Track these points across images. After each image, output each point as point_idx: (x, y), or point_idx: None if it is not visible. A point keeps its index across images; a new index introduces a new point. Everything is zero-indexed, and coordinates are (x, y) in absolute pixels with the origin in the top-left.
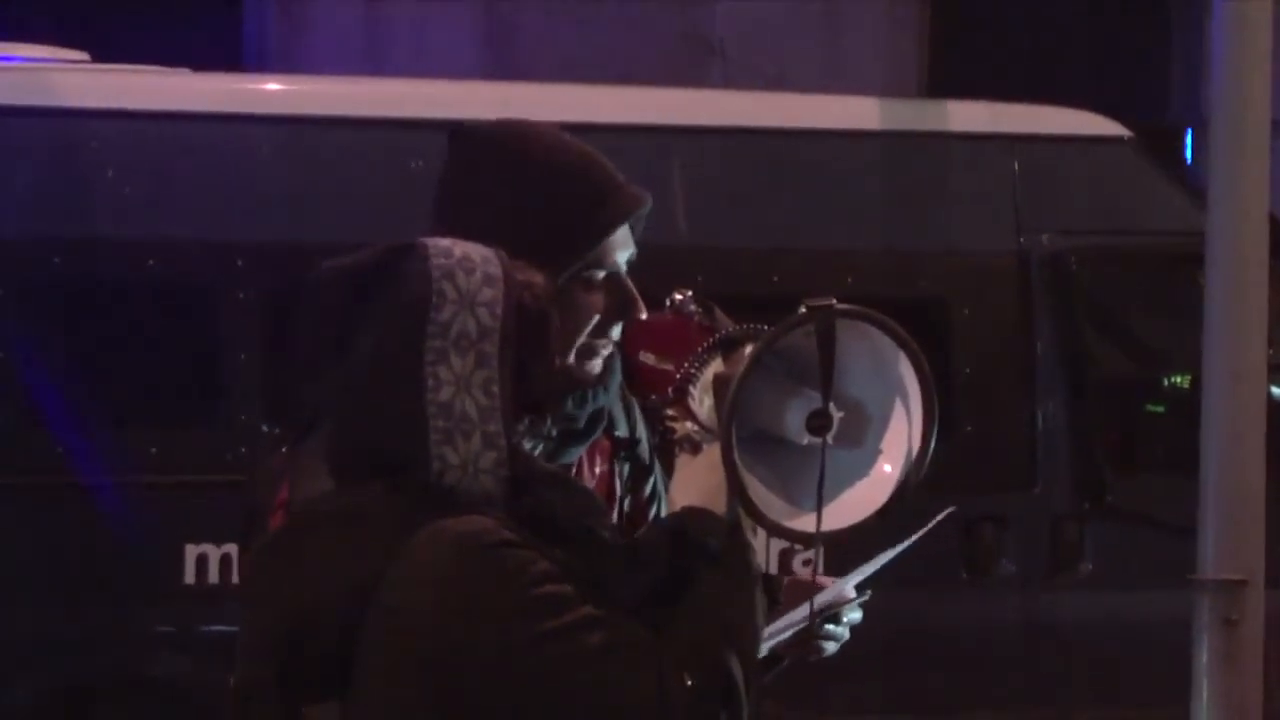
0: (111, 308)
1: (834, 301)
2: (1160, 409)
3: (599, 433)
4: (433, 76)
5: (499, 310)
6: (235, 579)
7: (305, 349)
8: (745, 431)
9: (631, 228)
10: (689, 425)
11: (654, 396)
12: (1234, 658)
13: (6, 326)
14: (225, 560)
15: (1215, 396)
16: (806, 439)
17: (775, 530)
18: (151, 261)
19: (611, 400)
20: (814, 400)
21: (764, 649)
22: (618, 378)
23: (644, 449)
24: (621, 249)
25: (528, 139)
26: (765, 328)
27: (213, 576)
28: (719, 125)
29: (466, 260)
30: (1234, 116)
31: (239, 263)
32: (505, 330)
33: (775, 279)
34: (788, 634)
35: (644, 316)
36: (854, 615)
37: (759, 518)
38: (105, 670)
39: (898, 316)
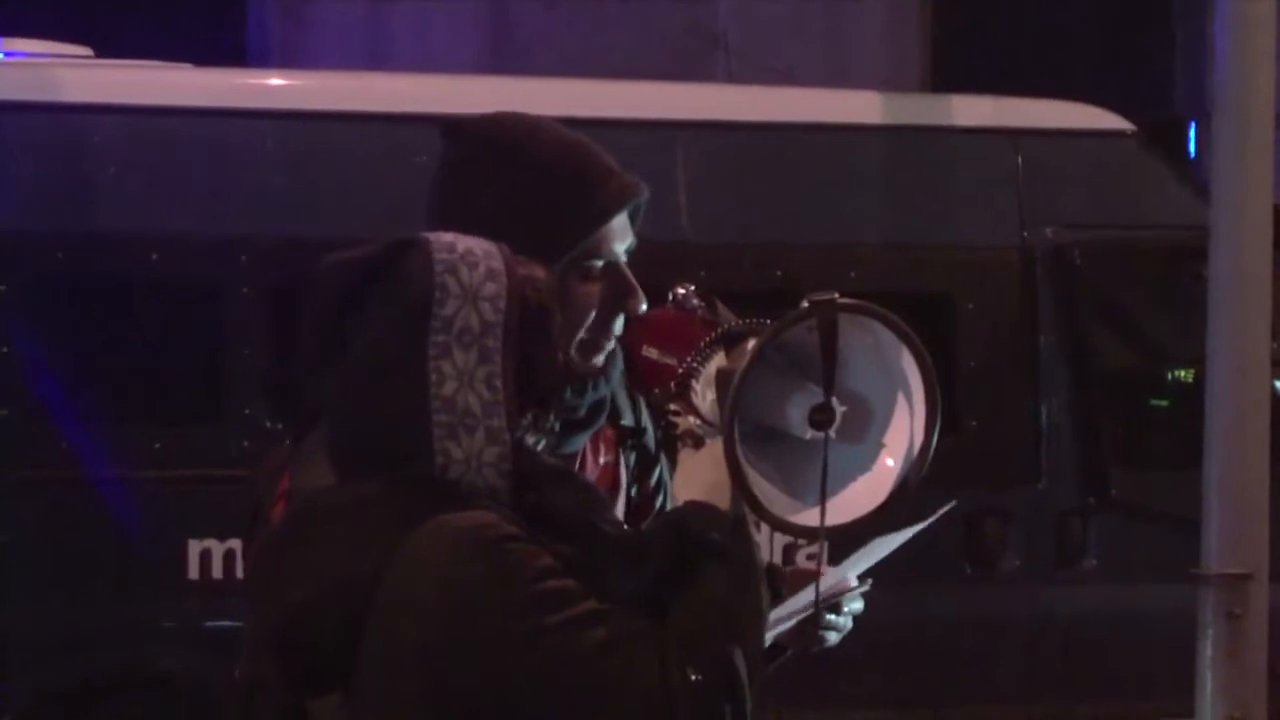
0: (115, 303)
1: (836, 296)
2: (1164, 403)
3: (601, 422)
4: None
5: (502, 305)
6: (239, 574)
7: (308, 343)
8: (748, 426)
9: (631, 219)
10: (691, 420)
11: (656, 391)
12: (1238, 652)
13: (10, 322)
14: (229, 555)
15: (1219, 390)
16: (809, 433)
17: (778, 525)
18: (155, 257)
19: (614, 389)
20: (816, 395)
21: (767, 639)
22: (619, 366)
23: (650, 438)
24: (619, 239)
25: (520, 130)
26: (768, 322)
27: (216, 571)
28: (722, 120)
29: (469, 255)
30: (1238, 110)
31: (242, 258)
32: (508, 325)
33: (778, 273)
34: (790, 623)
35: (645, 309)
36: (856, 605)
37: (762, 512)
38: (109, 665)
39: (901, 311)
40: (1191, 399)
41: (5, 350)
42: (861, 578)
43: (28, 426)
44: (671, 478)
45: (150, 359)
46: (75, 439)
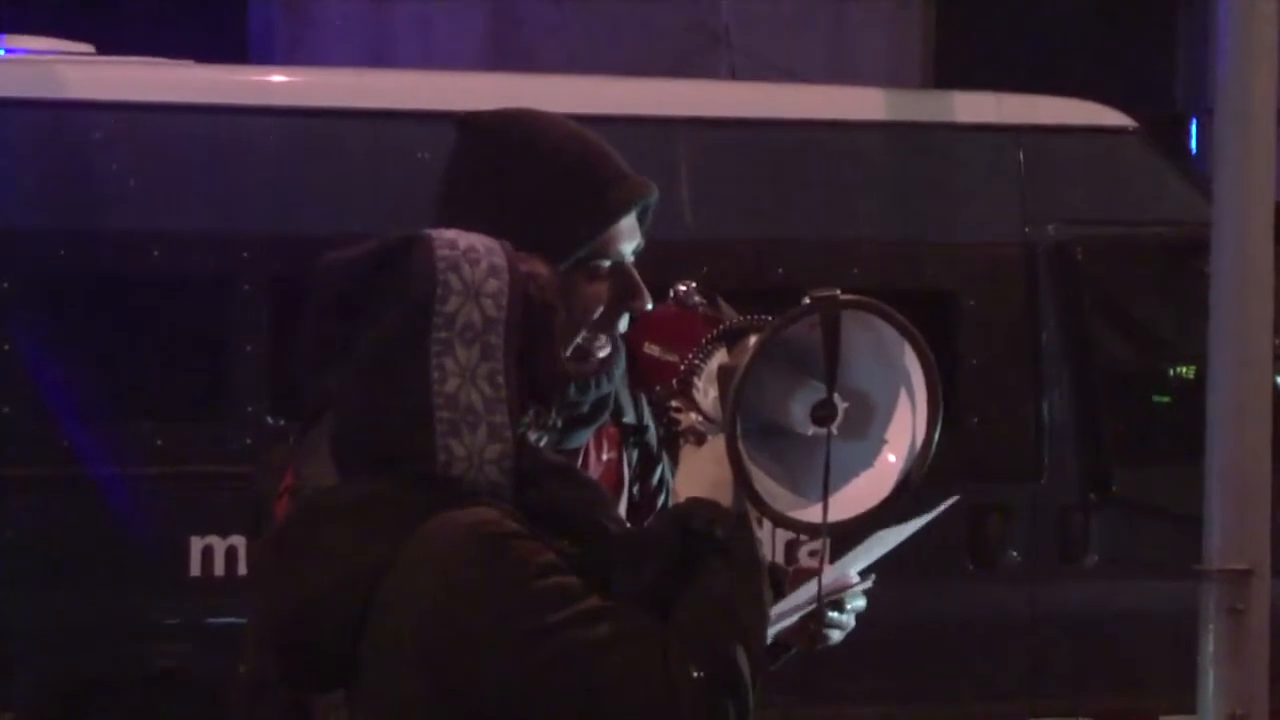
0: (117, 299)
1: (838, 292)
2: (1166, 398)
3: (604, 418)
4: (437, 69)
5: (504, 301)
6: (241, 570)
7: (310, 340)
8: (750, 423)
9: (640, 220)
10: (694, 416)
11: (658, 388)
12: (1240, 647)
13: (12, 318)
14: (231, 552)
15: (1221, 386)
16: (811, 430)
17: (780, 521)
18: (157, 253)
19: (617, 387)
20: (819, 391)
21: (769, 635)
22: (622, 364)
23: (652, 436)
24: (627, 239)
25: (533, 127)
26: (770, 319)
27: (218, 568)
28: (724, 117)
29: (471, 251)
30: (1239, 106)
31: (244, 254)
32: (510, 321)
33: (780, 270)
34: (792, 619)
35: (649, 306)
36: (858, 603)
37: (764, 508)
38: (111, 661)
39: (903, 307)
40: (1193, 395)
41: (7, 347)
42: (863, 574)
43: (29, 423)
44: (673, 475)
45: (152, 356)
46: (77, 436)
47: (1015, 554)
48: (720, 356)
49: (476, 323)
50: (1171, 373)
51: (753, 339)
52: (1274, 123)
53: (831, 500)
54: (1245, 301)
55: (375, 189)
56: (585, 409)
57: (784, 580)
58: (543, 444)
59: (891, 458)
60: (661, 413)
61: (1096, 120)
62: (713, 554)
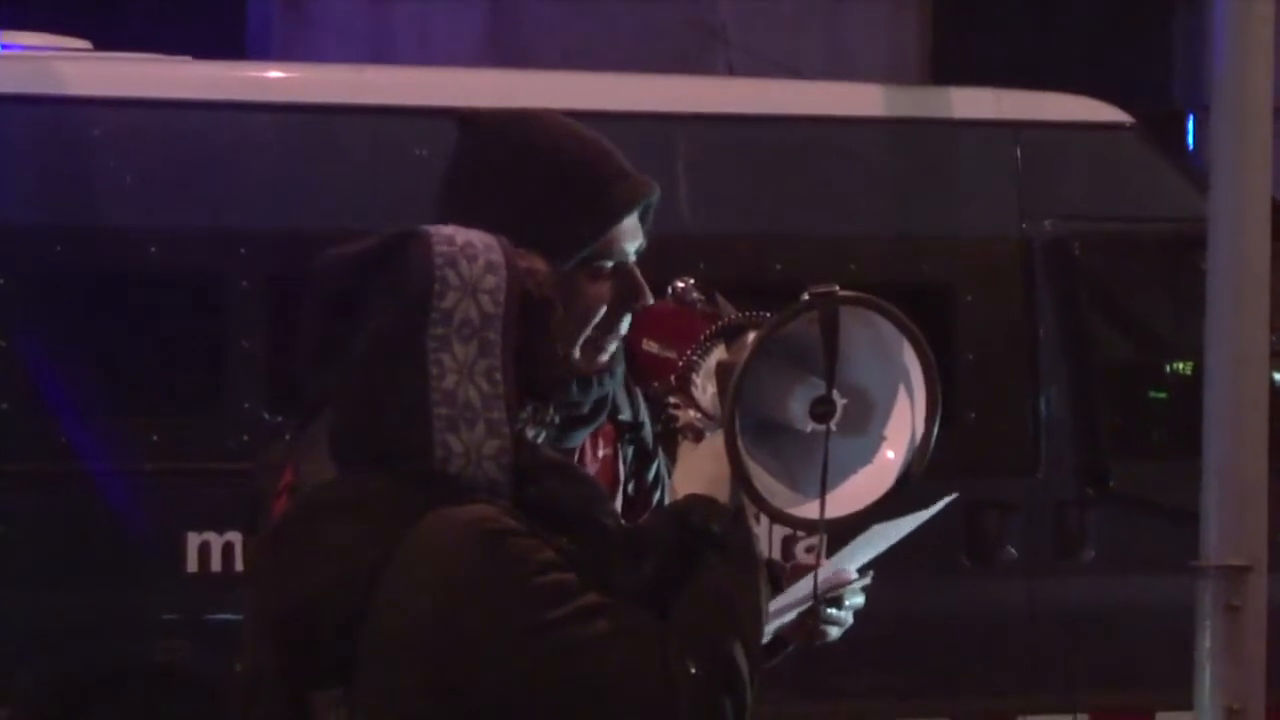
0: (114, 296)
1: (837, 288)
2: (1163, 394)
3: (604, 418)
4: (435, 65)
5: (502, 298)
6: (238, 567)
7: (308, 337)
8: (748, 419)
9: (642, 220)
10: (692, 413)
11: (657, 384)
12: (1237, 643)
13: (9, 314)
14: (228, 548)
15: (1218, 381)
16: (810, 426)
17: (779, 517)
18: (154, 249)
19: (615, 385)
20: (817, 387)
21: (767, 632)
22: (622, 364)
23: (647, 434)
24: (630, 239)
25: (535, 126)
26: (768, 315)
27: (215, 564)
28: (722, 113)
29: (469, 247)
30: (1236, 102)
31: (241, 250)
32: (508, 318)
33: (778, 266)
34: (790, 615)
35: (650, 303)
36: (856, 600)
37: (763, 505)
38: (109, 657)
39: (901, 303)
40: (1190, 390)
41: (4, 344)
42: (862, 570)
43: (27, 420)
44: (670, 473)
45: (149, 352)
46: (74, 432)
47: (1012, 549)
48: (719, 353)
49: (474, 319)
50: (1169, 368)
51: (751, 335)
52: (1271, 119)
53: (830, 497)
54: (1242, 297)
55: (373, 185)
56: (586, 409)
57: (782, 576)
58: (540, 441)
59: (890, 454)
60: (660, 409)
61: (1094, 116)
62: (710, 550)
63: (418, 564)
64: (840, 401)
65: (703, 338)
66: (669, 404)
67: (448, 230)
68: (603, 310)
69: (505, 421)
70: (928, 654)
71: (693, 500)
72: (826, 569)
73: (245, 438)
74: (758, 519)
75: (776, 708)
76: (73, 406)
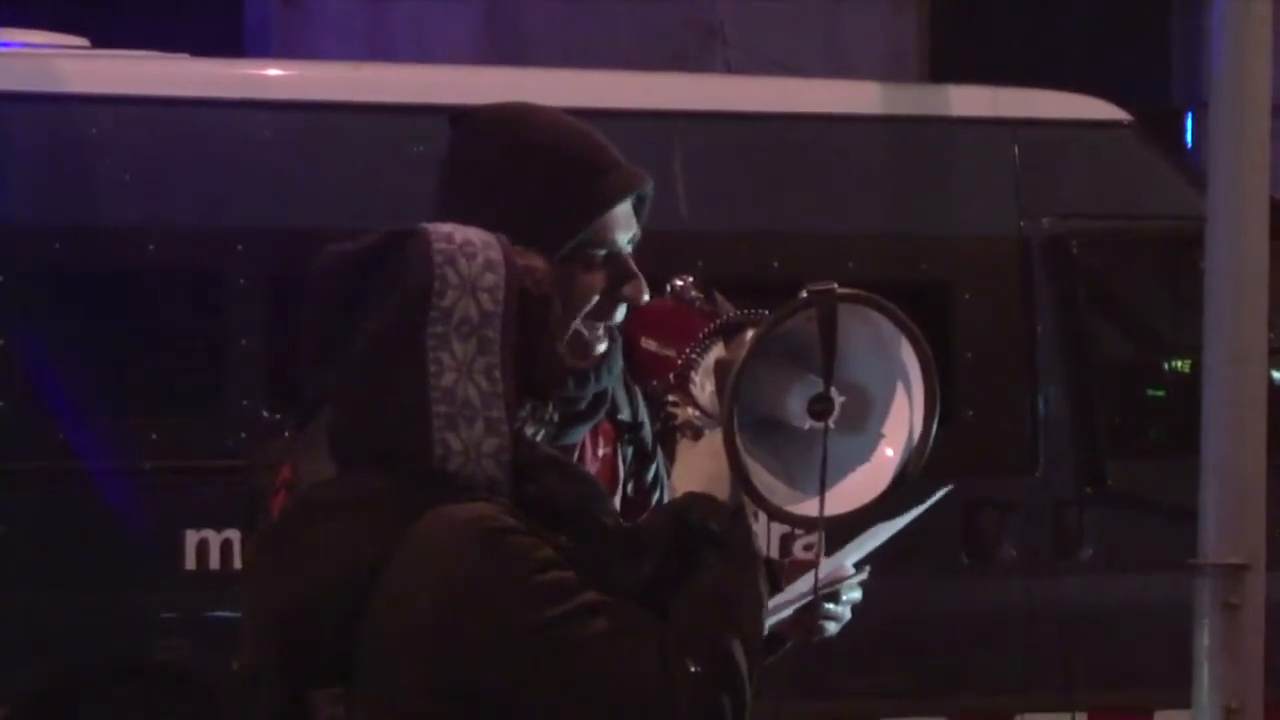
0: (112, 294)
1: (835, 286)
2: (1161, 393)
3: (602, 414)
4: (435, 63)
5: (501, 296)
6: (236, 564)
7: (308, 335)
8: (747, 417)
9: (637, 212)
10: (690, 411)
11: (655, 382)
12: (1235, 642)
13: (7, 312)
14: (226, 546)
15: (1216, 380)
16: (808, 424)
17: (778, 515)
18: (152, 247)
19: (614, 382)
20: (816, 385)
21: (765, 629)
22: (619, 359)
23: (647, 434)
24: (623, 229)
25: (527, 119)
26: (766, 313)
27: (213, 562)
28: (720, 111)
29: (468, 245)
30: (1234, 100)
31: (239, 248)
32: (507, 315)
33: (776, 264)
34: (788, 611)
35: (646, 298)
36: (854, 595)
37: (761, 503)
38: (106, 656)
39: (899, 300)
40: (1188, 389)
41: (3, 342)
42: (859, 566)
43: (26, 418)
44: (669, 472)
45: (148, 350)
46: (73, 430)
47: (1010, 548)
48: (717, 351)
49: (473, 317)
50: (1167, 367)
51: (750, 333)
52: (1269, 117)
53: (828, 494)
54: (1240, 295)
55: (372, 183)
56: (584, 405)
57: (780, 574)
58: (539, 439)
59: (889, 452)
60: (659, 407)
61: (1092, 114)
62: (709, 548)
63: (417, 562)
64: (838, 399)
65: (701, 336)
66: (668, 402)
67: (446, 228)
68: (595, 299)
69: (504, 419)
70: (926, 653)
71: (691, 498)
72: (825, 566)
73: (244, 436)
74: (756, 517)
75: (775, 706)
76: (72, 405)
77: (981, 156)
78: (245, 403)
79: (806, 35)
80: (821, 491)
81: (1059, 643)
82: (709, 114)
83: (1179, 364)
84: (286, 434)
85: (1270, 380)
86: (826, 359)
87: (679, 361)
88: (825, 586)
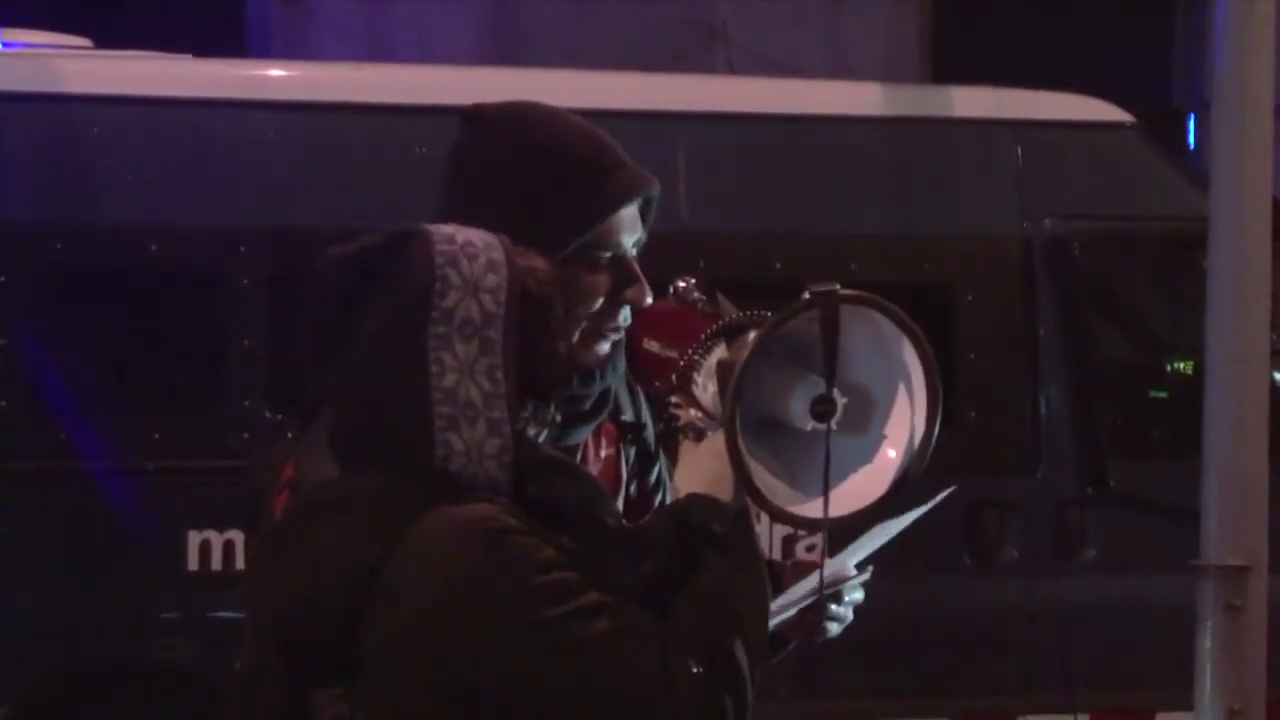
0: (115, 294)
1: (838, 287)
2: (1163, 393)
3: (605, 415)
4: (435, 63)
5: (503, 296)
6: (239, 565)
7: (310, 335)
8: (749, 418)
9: (643, 215)
10: (693, 412)
11: (658, 384)
12: (1237, 643)
13: (10, 312)
14: (228, 546)
15: (1218, 381)
16: (811, 425)
17: (780, 516)
18: (154, 248)
19: (618, 383)
20: (818, 386)
21: (768, 630)
22: (623, 360)
23: (649, 435)
24: (628, 231)
25: (534, 118)
26: (769, 314)
27: (215, 562)
28: (722, 111)
29: (470, 246)
30: (1237, 101)
31: (242, 248)
32: (509, 316)
33: (778, 265)
34: (791, 611)
35: (649, 301)
36: (856, 595)
37: (763, 504)
38: (108, 656)
39: (901, 302)
40: (1190, 389)
41: (4, 342)
42: (861, 566)
43: (27, 418)
44: (671, 474)
45: (150, 350)
46: (74, 430)
47: (1012, 549)
48: (719, 352)
49: (475, 318)
50: (1169, 368)
51: (752, 334)
52: (1271, 118)
53: (830, 495)
54: (1243, 297)
55: (374, 184)
56: (588, 405)
57: (782, 576)
58: (542, 439)
59: (891, 453)
60: (661, 408)
61: (1094, 115)
62: (712, 549)
63: (418, 562)
64: (841, 400)
65: (704, 337)
66: (670, 403)
67: (448, 229)
68: (600, 300)
69: (506, 420)
70: (927, 653)
71: (694, 499)
72: (829, 567)
73: (246, 436)
74: (759, 518)
75: (775, 705)
76: (73, 405)
77: (984, 157)
78: (247, 403)
79: (809, 36)
80: (825, 493)
81: (1060, 644)
82: (711, 115)
83: (1181, 364)
84: (289, 435)
85: (1272, 381)
86: (829, 360)
87: (681, 363)
88: (828, 587)
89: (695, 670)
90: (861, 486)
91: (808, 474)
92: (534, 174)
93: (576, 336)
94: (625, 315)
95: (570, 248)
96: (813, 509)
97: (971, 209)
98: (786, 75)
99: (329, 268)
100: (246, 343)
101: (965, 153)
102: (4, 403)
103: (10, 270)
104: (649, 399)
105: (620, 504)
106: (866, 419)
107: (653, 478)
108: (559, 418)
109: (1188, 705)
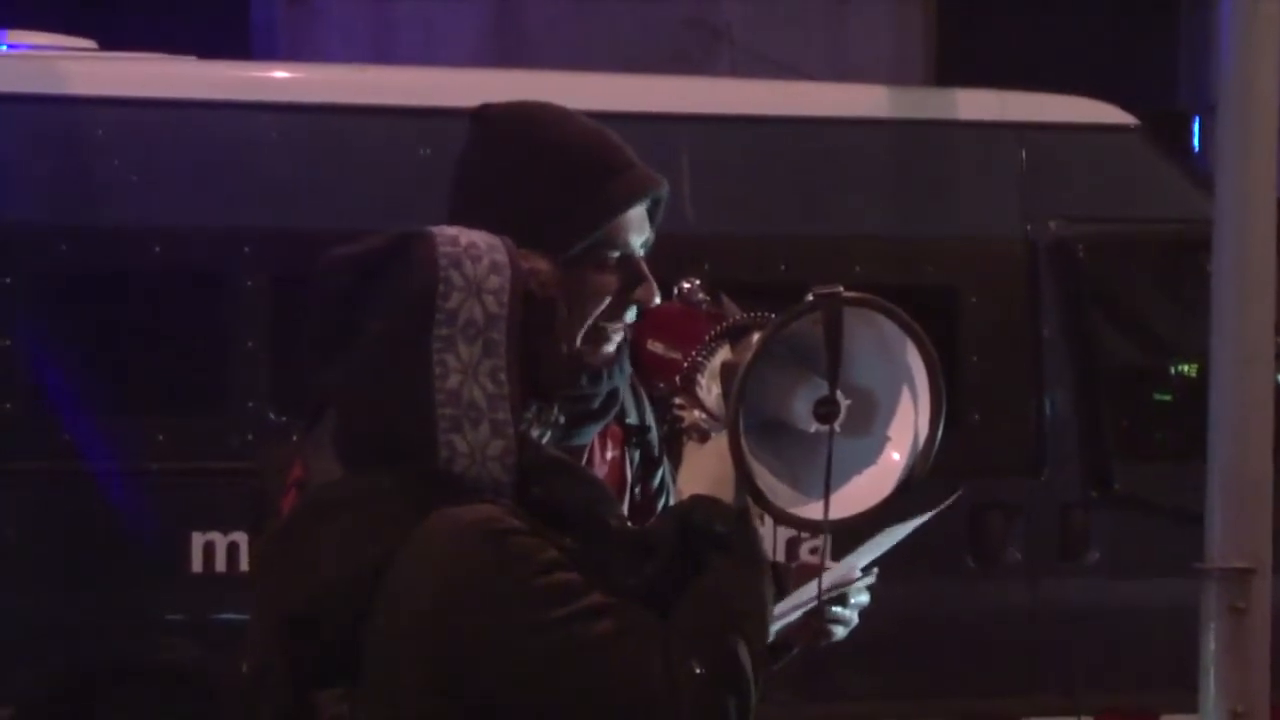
0: (118, 295)
1: (841, 289)
2: (1167, 396)
3: (611, 415)
4: (440, 65)
5: (506, 298)
6: (243, 566)
7: (314, 335)
8: (752, 419)
9: (651, 217)
10: (697, 413)
11: (662, 385)
12: (1241, 646)
13: (14, 313)
14: (232, 547)
15: (1223, 383)
16: (814, 426)
17: (783, 518)
18: (159, 249)
19: (624, 384)
20: (821, 388)
21: (771, 634)
22: (628, 361)
23: (654, 437)
24: (636, 231)
25: (542, 119)
26: (773, 316)
27: (220, 564)
28: (725, 114)
29: (473, 248)
30: (1242, 104)
31: (246, 250)
32: (512, 318)
33: (783, 267)
34: (795, 615)
35: (656, 300)
36: (861, 599)
37: (766, 505)
38: (112, 657)
39: (905, 304)
40: (1195, 392)
41: (9, 343)
42: (865, 569)
43: (32, 419)
44: (675, 478)
45: (154, 351)
46: (79, 431)
47: (1016, 551)
48: (723, 353)
49: (478, 319)
50: (1173, 370)
51: (756, 336)
52: (1276, 119)
53: (833, 497)
54: (1247, 299)
55: (378, 185)
56: (596, 404)
57: (786, 578)
58: (546, 440)
59: (894, 455)
60: (665, 410)
61: (1098, 118)
62: (715, 551)
63: (421, 563)
64: (844, 402)
65: (707, 338)
66: (674, 405)
67: (452, 231)
68: (607, 300)
69: (510, 422)
70: (931, 655)
71: (697, 500)
72: (833, 572)
73: (250, 437)
74: (762, 520)
75: (778, 708)
76: (77, 406)
77: (987, 159)
78: (251, 404)
79: (813, 38)
80: (826, 495)
81: (1064, 646)
82: (714, 116)
83: (1185, 367)
84: (295, 437)
85: (1277, 383)
86: (832, 362)
87: (685, 364)
88: (832, 590)
89: (698, 671)
90: (865, 489)
91: (810, 476)
92: (542, 174)
93: (582, 336)
94: (632, 315)
95: (578, 247)
96: (815, 511)
97: (975, 211)
98: (789, 77)
99: (332, 269)
100: (250, 344)
101: (969, 155)
102: (9, 404)
103: (16, 271)
104: (653, 400)
105: (625, 506)
106: (870, 421)
107: (656, 481)
108: (562, 419)
109: (1191, 708)
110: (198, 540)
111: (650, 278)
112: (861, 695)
